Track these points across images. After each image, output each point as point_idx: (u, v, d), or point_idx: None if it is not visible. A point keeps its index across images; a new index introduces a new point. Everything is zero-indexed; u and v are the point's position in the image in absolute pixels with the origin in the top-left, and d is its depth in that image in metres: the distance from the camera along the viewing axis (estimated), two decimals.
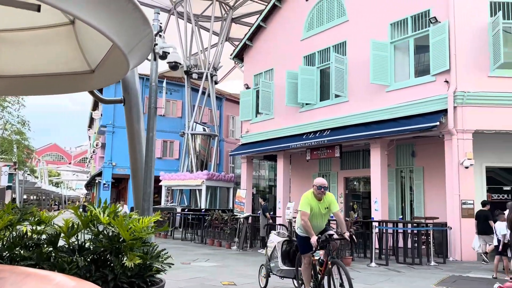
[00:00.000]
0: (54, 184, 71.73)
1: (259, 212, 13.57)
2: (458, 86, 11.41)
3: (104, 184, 29.40)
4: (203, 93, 26.44)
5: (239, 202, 13.20)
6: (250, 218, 13.44)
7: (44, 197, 54.22)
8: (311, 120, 15.71)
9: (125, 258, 2.92)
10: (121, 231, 2.97)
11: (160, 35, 6.06)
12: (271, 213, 15.39)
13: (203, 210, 17.22)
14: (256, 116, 18.80)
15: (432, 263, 10.09)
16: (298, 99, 15.74)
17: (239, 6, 27.10)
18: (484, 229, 10.27)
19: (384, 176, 13.50)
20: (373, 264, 9.94)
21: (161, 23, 6.22)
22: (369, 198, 16.75)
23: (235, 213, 13.35)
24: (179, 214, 20.00)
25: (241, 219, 12.72)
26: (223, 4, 26.92)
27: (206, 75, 25.62)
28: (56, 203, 70.92)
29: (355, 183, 17.47)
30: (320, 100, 15.72)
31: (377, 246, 11.04)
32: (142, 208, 4.53)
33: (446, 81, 11.64)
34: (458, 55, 11.51)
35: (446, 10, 11.73)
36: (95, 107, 35.72)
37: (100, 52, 3.21)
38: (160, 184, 25.90)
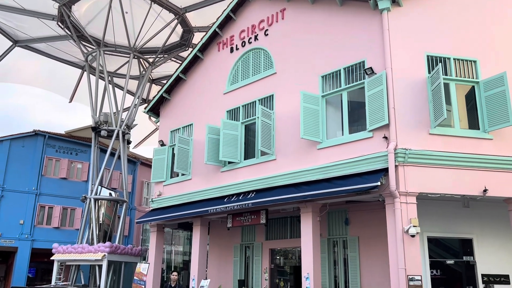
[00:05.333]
0: None
1: None
2: (398, 143, 10.12)
3: None
4: (113, 154, 23.52)
5: (139, 281, 10.35)
6: None
7: None
8: (233, 180, 13.66)
9: None
10: None
11: None
12: None
13: None
14: (171, 177, 16.37)
15: None
16: (219, 157, 13.73)
17: (159, 62, 25.48)
18: None
19: (317, 247, 11.54)
20: None
21: None
22: (296, 273, 14.62)
23: None
24: None
25: None
26: (141, 60, 25.15)
27: (117, 134, 22.92)
28: None
29: (280, 256, 15.29)
30: (245, 159, 13.84)
31: None
32: None
33: (385, 137, 10.35)
34: (397, 109, 10.37)
35: (383, 60, 10.76)
36: None
37: None
38: (52, 258, 21.73)
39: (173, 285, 9.45)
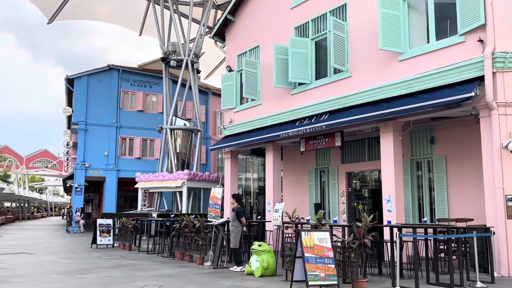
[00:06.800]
0: (37, 190, 68.49)
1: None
2: (497, 46, 8.63)
3: (77, 188, 26.41)
4: (184, 85, 23.54)
5: (214, 205, 10.32)
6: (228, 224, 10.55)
7: (24, 204, 50.96)
8: (305, 103, 12.90)
9: None
10: None
11: None
12: (259, 217, 12.54)
13: (172, 215, 14.25)
14: (240, 103, 15.96)
15: (479, 284, 7.24)
16: (289, 78, 12.93)
17: None
18: None
19: (399, 168, 10.69)
20: None
21: None
22: (375, 197, 13.99)
23: (208, 219, 10.50)
24: (154, 221, 17.05)
25: (217, 226, 9.85)
26: None
27: (186, 63, 22.73)
28: (40, 210, 67.67)
29: (358, 179, 14.65)
30: (316, 79, 12.91)
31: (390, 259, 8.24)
32: None
33: (481, 40, 8.87)
34: (495, 5, 8.75)
35: None
36: (69, 103, 32.74)
37: None
38: (136, 186, 22.99)
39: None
